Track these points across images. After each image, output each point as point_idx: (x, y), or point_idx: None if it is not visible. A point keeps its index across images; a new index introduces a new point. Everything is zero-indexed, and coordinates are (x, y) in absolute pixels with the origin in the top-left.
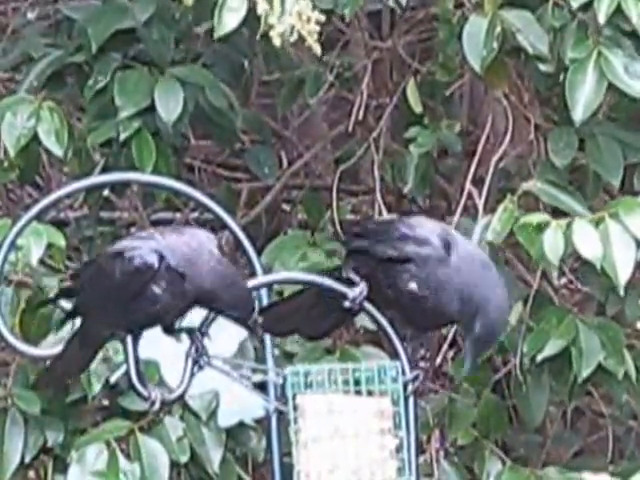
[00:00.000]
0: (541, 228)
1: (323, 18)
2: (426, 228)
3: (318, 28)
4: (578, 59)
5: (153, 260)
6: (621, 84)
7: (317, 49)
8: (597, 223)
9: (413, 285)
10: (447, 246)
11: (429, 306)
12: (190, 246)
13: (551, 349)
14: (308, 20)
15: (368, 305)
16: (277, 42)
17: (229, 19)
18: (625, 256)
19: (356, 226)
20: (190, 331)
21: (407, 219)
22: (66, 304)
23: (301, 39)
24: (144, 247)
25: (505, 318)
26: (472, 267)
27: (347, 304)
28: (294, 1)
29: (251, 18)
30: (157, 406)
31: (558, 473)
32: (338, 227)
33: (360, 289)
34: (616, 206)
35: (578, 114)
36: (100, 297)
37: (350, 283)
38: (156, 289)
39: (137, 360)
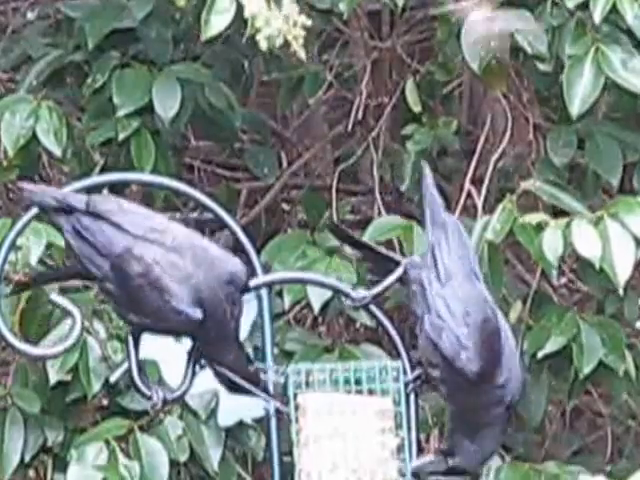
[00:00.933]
0: (540, 228)
1: (309, 23)
2: (477, 346)
3: (304, 33)
4: (576, 55)
5: (196, 316)
6: (619, 79)
7: (302, 55)
8: (596, 222)
9: (435, 373)
10: (483, 379)
11: (439, 389)
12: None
13: (552, 346)
14: (295, 24)
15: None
16: (264, 45)
17: (217, 21)
18: (624, 256)
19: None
20: None
21: (470, 301)
22: (66, 303)
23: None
24: (184, 299)
25: (483, 464)
26: (493, 411)
27: (350, 303)
28: (288, 3)
29: (240, 20)
30: (160, 405)
31: (557, 468)
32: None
33: (364, 294)
34: (615, 205)
35: (575, 109)
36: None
37: None
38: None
39: (138, 359)
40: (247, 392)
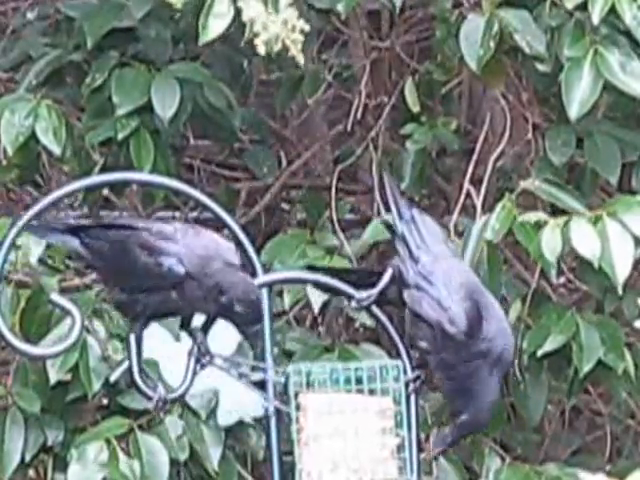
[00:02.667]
0: (539, 226)
1: (308, 27)
2: (461, 302)
3: (302, 38)
4: (574, 57)
5: (180, 271)
6: (617, 82)
7: (300, 59)
8: (595, 221)
9: (423, 344)
10: (471, 335)
11: (428, 360)
12: (206, 250)
13: (551, 344)
14: (293, 29)
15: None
16: (262, 50)
17: (214, 25)
18: (623, 254)
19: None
20: (192, 330)
21: (448, 271)
22: (66, 303)
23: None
24: (171, 253)
25: (492, 413)
26: (482, 364)
27: (353, 304)
28: (286, 5)
29: (239, 20)
30: (162, 404)
31: (557, 469)
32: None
33: (368, 294)
34: (614, 204)
35: (574, 112)
36: (115, 273)
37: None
38: (173, 293)
39: (140, 359)
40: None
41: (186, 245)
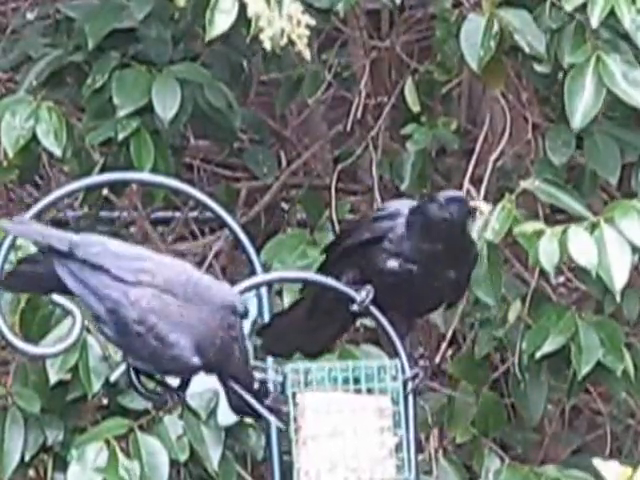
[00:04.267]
0: (538, 235)
1: (314, 22)
2: (396, 203)
3: (308, 32)
4: (576, 64)
5: (196, 363)
6: (619, 92)
7: (307, 54)
8: (592, 228)
9: (392, 263)
10: (417, 211)
11: (416, 281)
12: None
13: (550, 345)
14: (298, 23)
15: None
16: (267, 45)
17: (220, 21)
18: (620, 262)
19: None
20: None
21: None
22: (66, 302)
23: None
24: (183, 346)
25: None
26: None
27: (355, 307)
28: (289, 2)
29: (244, 19)
30: (171, 403)
31: (557, 471)
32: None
33: (367, 291)
34: (612, 210)
35: (577, 122)
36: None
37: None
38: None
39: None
40: (253, 414)
41: (195, 332)
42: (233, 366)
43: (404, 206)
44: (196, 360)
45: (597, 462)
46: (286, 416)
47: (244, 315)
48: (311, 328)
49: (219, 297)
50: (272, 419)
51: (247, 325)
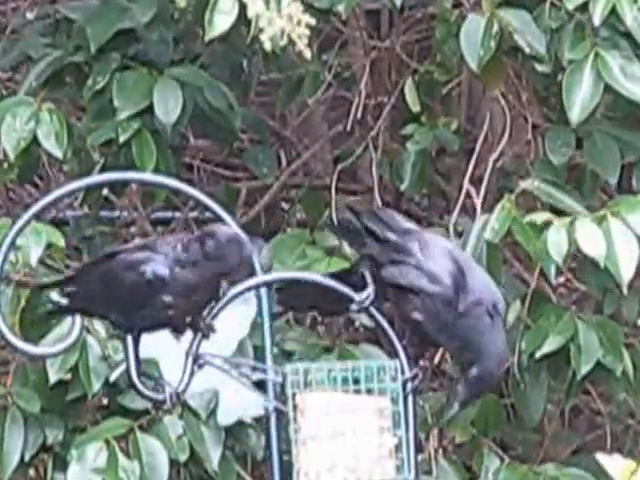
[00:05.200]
0: (543, 227)
1: (314, 22)
2: (441, 263)
3: (308, 32)
4: (575, 60)
5: (164, 272)
6: (618, 86)
7: (307, 53)
8: (599, 221)
9: (417, 315)
10: (458, 289)
11: (428, 336)
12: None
13: (550, 346)
14: (299, 23)
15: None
16: (267, 46)
17: (220, 21)
18: (628, 254)
19: (375, 222)
20: (195, 327)
21: (425, 241)
22: (66, 302)
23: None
24: (156, 259)
25: (502, 368)
26: (479, 312)
27: (354, 307)
28: (288, 2)
29: (244, 20)
30: (170, 402)
31: (555, 469)
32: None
33: (367, 293)
34: (618, 204)
35: (575, 116)
36: (106, 302)
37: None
38: (166, 298)
39: (138, 359)
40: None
41: (167, 248)
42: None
43: (446, 271)
44: (164, 270)
45: (600, 457)
46: (286, 416)
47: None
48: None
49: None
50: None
51: (247, 326)
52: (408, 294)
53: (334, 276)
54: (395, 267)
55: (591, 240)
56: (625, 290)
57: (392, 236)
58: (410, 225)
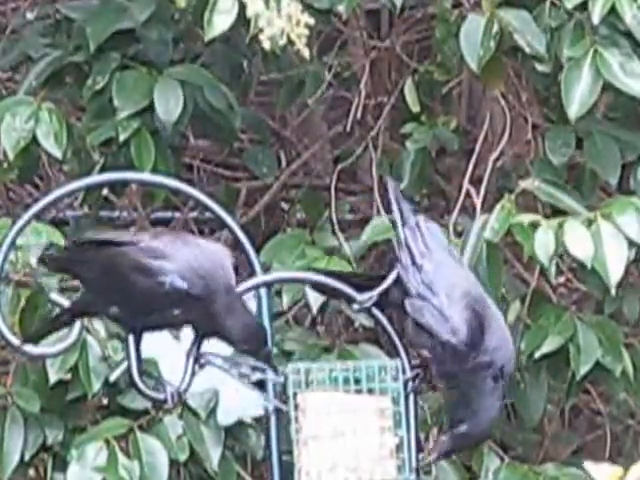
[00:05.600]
0: (534, 227)
1: (313, 21)
2: (463, 313)
3: (307, 32)
4: (574, 58)
5: (182, 286)
6: (617, 82)
7: (306, 53)
8: (589, 223)
9: (425, 353)
10: (473, 346)
11: (430, 368)
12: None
13: (549, 346)
14: (298, 23)
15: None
16: (267, 45)
17: (219, 21)
18: (617, 256)
19: (414, 237)
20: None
21: (452, 284)
22: (66, 302)
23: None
24: (168, 269)
25: (490, 429)
26: (486, 374)
27: (355, 307)
28: (288, 2)
29: (244, 19)
30: (171, 402)
31: (555, 469)
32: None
33: (369, 295)
34: (609, 206)
35: (573, 112)
36: (107, 292)
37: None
38: (176, 311)
39: (139, 358)
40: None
41: (182, 260)
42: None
43: (465, 324)
44: (182, 283)
45: (588, 465)
46: (287, 416)
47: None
48: None
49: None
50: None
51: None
52: (424, 332)
53: (335, 275)
54: (421, 303)
55: (579, 242)
56: (613, 292)
57: (426, 265)
58: (443, 249)
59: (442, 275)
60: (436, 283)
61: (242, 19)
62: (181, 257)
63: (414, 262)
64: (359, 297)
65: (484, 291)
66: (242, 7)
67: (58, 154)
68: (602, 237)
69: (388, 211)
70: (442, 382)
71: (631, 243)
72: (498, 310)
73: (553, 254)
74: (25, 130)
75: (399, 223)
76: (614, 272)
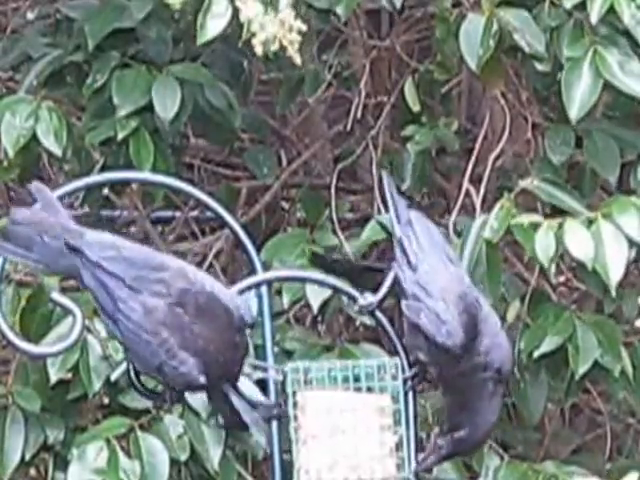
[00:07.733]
0: (534, 228)
1: (305, 27)
2: (458, 315)
3: (300, 38)
4: (574, 57)
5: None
6: (617, 82)
7: (297, 60)
8: (590, 223)
9: (422, 355)
10: (466, 348)
11: (428, 370)
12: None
13: (548, 346)
14: (290, 29)
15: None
16: (259, 50)
17: (213, 25)
18: (617, 256)
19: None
20: None
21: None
22: (66, 302)
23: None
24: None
25: (489, 434)
26: (485, 377)
27: (356, 309)
28: (286, 4)
29: (238, 22)
30: (171, 401)
31: (555, 467)
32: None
33: (371, 300)
34: (609, 206)
35: (574, 112)
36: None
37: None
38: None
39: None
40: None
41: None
42: (234, 379)
43: (461, 329)
44: (202, 379)
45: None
46: (286, 415)
47: (252, 326)
48: None
49: (229, 311)
50: (261, 438)
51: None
52: (420, 333)
53: (336, 268)
54: (417, 305)
55: (579, 243)
56: (614, 292)
57: (421, 266)
58: (439, 248)
59: (438, 276)
60: (431, 284)
61: (237, 22)
62: (202, 345)
63: (409, 263)
64: (360, 301)
65: (478, 291)
66: (236, 11)
67: (58, 152)
68: (602, 237)
69: (388, 210)
70: (440, 385)
71: (631, 243)
72: (492, 310)
73: (553, 255)
74: (25, 128)
75: (394, 220)
76: (614, 272)
